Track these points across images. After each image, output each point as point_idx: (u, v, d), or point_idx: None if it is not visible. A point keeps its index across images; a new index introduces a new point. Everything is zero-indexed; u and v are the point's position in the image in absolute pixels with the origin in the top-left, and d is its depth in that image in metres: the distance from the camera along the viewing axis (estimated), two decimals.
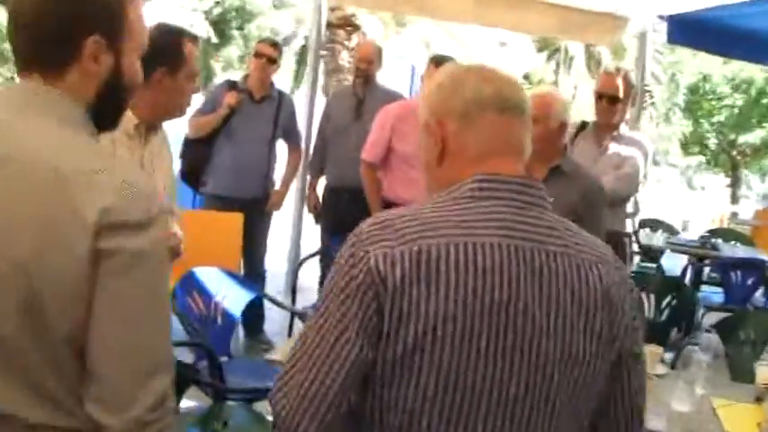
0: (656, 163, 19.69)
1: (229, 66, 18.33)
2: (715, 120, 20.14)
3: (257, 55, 5.59)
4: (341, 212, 5.58)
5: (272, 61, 5.59)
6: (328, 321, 1.41)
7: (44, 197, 1.35)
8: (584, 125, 4.72)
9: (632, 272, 6.67)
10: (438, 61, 4.90)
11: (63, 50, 1.48)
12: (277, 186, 5.86)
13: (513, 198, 1.49)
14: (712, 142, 20.80)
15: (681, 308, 5.17)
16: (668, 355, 4.85)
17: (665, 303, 5.20)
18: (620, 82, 4.50)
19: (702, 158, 22.80)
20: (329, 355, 1.39)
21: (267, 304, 5.16)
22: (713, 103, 19.85)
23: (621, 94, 4.50)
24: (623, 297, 1.50)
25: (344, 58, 16.64)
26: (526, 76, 28.14)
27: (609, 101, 4.52)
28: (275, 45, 5.81)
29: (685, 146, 20.92)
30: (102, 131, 1.56)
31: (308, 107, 7.06)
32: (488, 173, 1.51)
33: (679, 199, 19.06)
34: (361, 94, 5.79)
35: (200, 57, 17.73)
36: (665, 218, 10.73)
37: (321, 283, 5.04)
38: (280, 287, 6.25)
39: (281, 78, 20.31)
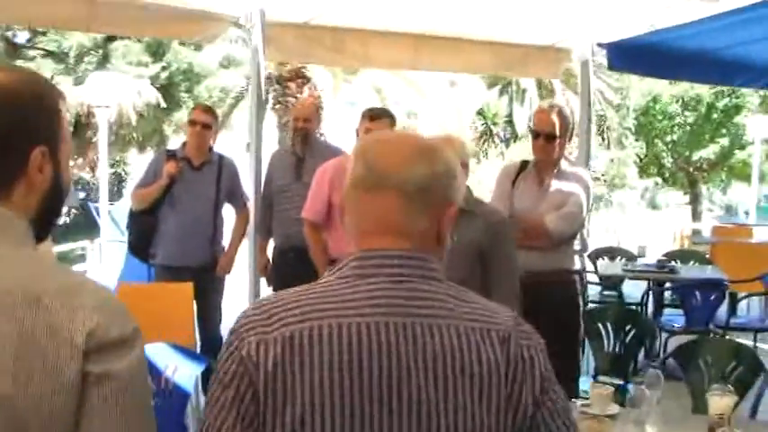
0: (614, 187, 19.85)
1: (180, 129, 18.30)
2: (668, 139, 20.39)
3: (191, 123, 5.57)
4: (290, 273, 5.51)
5: (207, 127, 5.57)
6: (213, 409, 1.43)
7: (26, 326, 1.28)
8: (524, 165, 4.71)
9: (593, 302, 6.65)
10: (372, 115, 4.89)
11: (10, 165, 1.41)
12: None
13: (390, 274, 1.47)
14: (668, 161, 21.03)
15: (640, 336, 5.16)
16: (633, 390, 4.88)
17: (623, 334, 5.19)
18: (555, 118, 4.49)
19: (659, 179, 23.04)
20: None
21: None
22: (665, 122, 20.11)
23: (558, 131, 4.49)
24: (528, 357, 1.45)
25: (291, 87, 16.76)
26: (480, 112, 28.44)
27: (546, 138, 4.49)
28: (208, 110, 5.80)
29: (642, 168, 21.12)
30: (39, 243, 1.50)
31: (254, 165, 7.01)
32: (366, 249, 1.50)
33: (642, 220, 19.19)
34: (301, 153, 5.74)
35: (152, 122, 17.82)
36: (629, 241, 10.79)
37: None
38: None
39: (238, 135, 20.36)
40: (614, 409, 3.29)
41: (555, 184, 4.53)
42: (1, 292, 1.30)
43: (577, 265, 4.61)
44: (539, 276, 4.40)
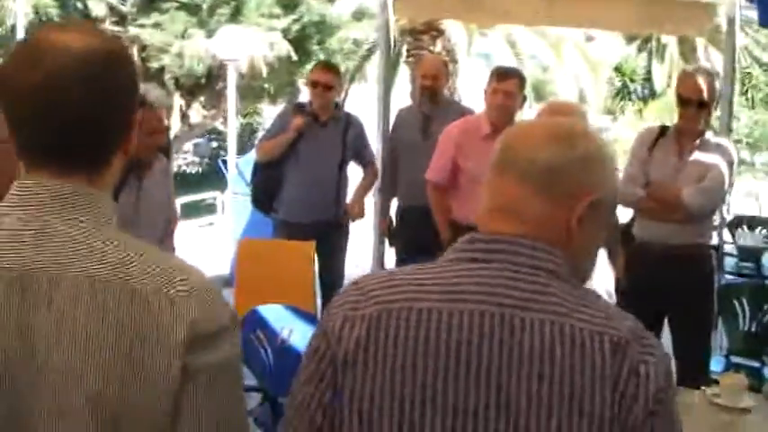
0: (757, 149, 18.83)
1: None
2: None
3: (312, 84, 5.48)
4: (414, 233, 5.43)
5: (328, 88, 5.44)
6: (296, 383, 1.40)
7: (123, 320, 1.21)
8: (663, 131, 4.43)
9: (729, 273, 6.32)
10: (500, 74, 4.73)
11: (119, 134, 1.32)
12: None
13: (497, 260, 1.35)
14: None
15: None
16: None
17: (760, 312, 4.91)
18: (703, 84, 4.19)
19: None
20: (293, 419, 1.39)
21: None
22: None
23: (707, 98, 4.19)
24: (644, 374, 1.27)
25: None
26: (617, 68, 27.53)
27: (696, 106, 4.20)
28: (329, 68, 5.67)
29: None
30: None
31: (382, 123, 6.94)
32: (480, 231, 1.40)
33: None
34: (428, 111, 5.62)
35: (283, 74, 17.93)
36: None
37: None
38: None
39: (372, 87, 20.34)
40: (748, 401, 3.07)
41: (696, 155, 4.25)
42: (94, 282, 1.22)
43: (714, 240, 4.35)
44: (673, 250, 4.21)
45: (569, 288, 1.34)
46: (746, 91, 18.99)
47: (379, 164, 6.07)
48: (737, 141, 12.33)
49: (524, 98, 4.84)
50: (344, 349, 1.33)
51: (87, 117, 1.25)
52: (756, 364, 4.79)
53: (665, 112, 22.13)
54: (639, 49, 27.21)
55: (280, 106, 20.38)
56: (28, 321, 1.20)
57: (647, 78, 26.81)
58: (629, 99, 27.59)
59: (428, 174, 4.91)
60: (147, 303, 1.21)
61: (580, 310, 1.31)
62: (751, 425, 2.91)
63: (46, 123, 1.25)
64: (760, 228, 7.86)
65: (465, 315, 1.30)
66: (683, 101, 4.23)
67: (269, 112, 20.54)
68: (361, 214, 5.75)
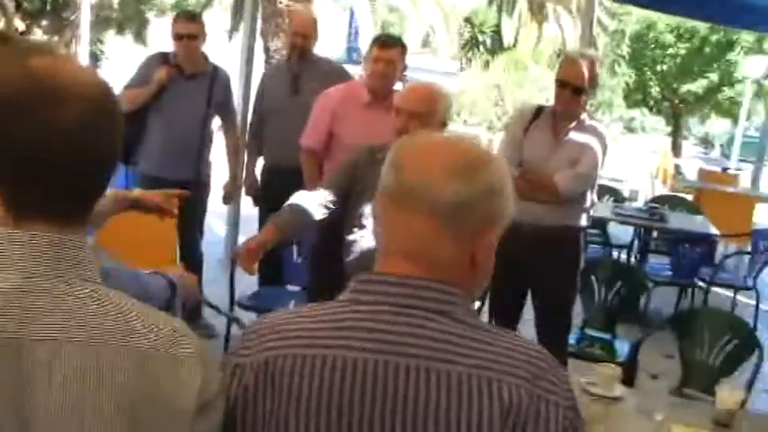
0: (599, 121, 19.62)
1: (162, 13, 17.66)
2: (658, 69, 20.10)
3: (176, 37, 5.21)
4: (280, 194, 5.28)
5: (193, 38, 5.22)
6: None
7: (126, 385, 1.08)
8: (539, 111, 4.46)
9: None
10: (382, 42, 4.62)
11: (105, 180, 1.17)
12: (213, 171, 5.58)
13: (393, 303, 1.27)
14: (655, 91, 20.77)
15: (630, 294, 5.08)
16: (620, 345, 4.82)
17: (614, 288, 5.10)
18: (585, 70, 4.22)
19: (645, 110, 22.82)
20: None
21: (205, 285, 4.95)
22: (657, 51, 19.78)
23: (587, 84, 4.23)
24: (544, 416, 1.22)
25: (282, 1, 16.15)
26: (467, 19, 27.90)
27: (573, 91, 4.22)
28: (193, 17, 5.41)
29: (628, 95, 20.84)
30: None
31: (244, 76, 6.73)
32: (378, 272, 1.33)
33: (623, 146, 19.07)
34: (297, 70, 5.47)
35: (133, 4, 17.16)
36: (610, 169, 10.49)
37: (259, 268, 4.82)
38: (216, 273, 5.98)
39: (220, 18, 19.77)
40: (619, 390, 3.17)
41: (571, 136, 4.30)
42: (89, 345, 1.07)
43: (583, 222, 4.44)
44: (543, 230, 4.27)
45: (471, 330, 1.27)
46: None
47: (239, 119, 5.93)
48: None
49: (405, 67, 4.76)
50: (233, 397, 1.27)
51: (110, 157, 1.14)
52: (608, 337, 4.98)
53: (510, 65, 22.69)
54: (490, 2, 27.64)
55: (127, 38, 19.64)
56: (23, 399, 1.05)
57: (497, 31, 27.28)
58: (478, 50, 28.01)
59: (303, 139, 4.78)
60: (150, 363, 1.10)
61: (476, 355, 1.23)
62: (623, 413, 3.00)
63: (76, 168, 1.09)
64: (608, 196, 8.17)
65: (348, 363, 1.24)
66: (561, 83, 4.26)
67: (115, 43, 19.65)
68: (233, 197, 5.65)
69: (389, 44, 4.60)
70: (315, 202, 3.57)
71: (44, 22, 16.56)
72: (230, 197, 5.91)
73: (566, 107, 4.28)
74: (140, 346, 1.10)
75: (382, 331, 1.25)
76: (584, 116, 4.33)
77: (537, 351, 1.28)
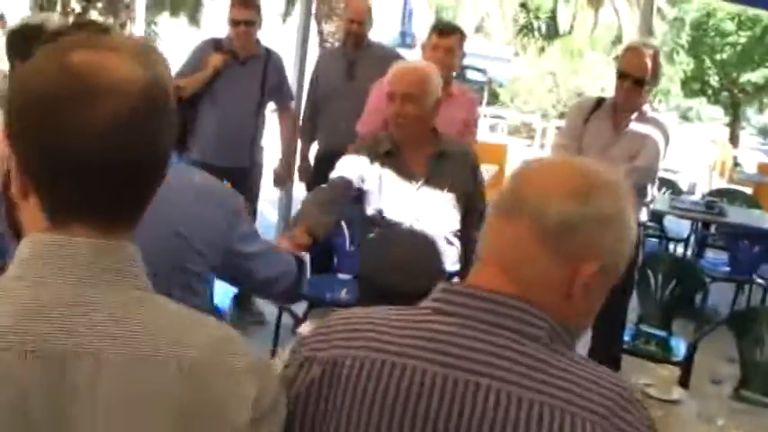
0: (655, 110, 19.27)
1: None
2: (718, 57, 19.70)
3: (232, 23, 5.19)
4: None
5: (250, 24, 5.19)
6: None
7: (177, 399, 1.03)
8: (599, 102, 4.36)
9: None
10: (441, 30, 4.56)
11: (150, 186, 1.12)
12: (268, 155, 5.55)
13: (469, 316, 1.22)
14: (714, 80, 20.38)
15: (687, 290, 4.95)
16: (676, 342, 4.70)
17: (671, 284, 4.97)
18: (648, 61, 4.10)
19: (703, 99, 22.40)
20: None
21: None
22: (716, 39, 19.39)
23: (648, 76, 4.11)
24: None
25: None
26: (523, 4, 27.56)
27: (635, 83, 4.12)
28: (249, 3, 5.33)
29: (686, 84, 20.46)
30: None
31: (299, 60, 6.69)
32: (465, 283, 1.29)
33: (680, 137, 18.71)
34: (353, 56, 5.43)
35: None
36: (668, 161, 10.30)
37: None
38: None
39: (275, 1, 19.78)
40: (677, 393, 3.08)
41: (632, 129, 4.20)
42: (149, 362, 1.02)
43: (643, 217, 4.33)
44: None
45: (547, 354, 1.20)
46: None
47: (293, 103, 5.90)
48: None
49: (464, 54, 4.69)
50: (296, 391, 1.24)
51: (153, 156, 1.08)
52: (664, 334, 4.87)
53: (565, 52, 22.38)
54: None
55: (181, 19, 19.76)
56: (66, 412, 1.00)
57: (552, 17, 26.94)
58: (533, 36, 27.70)
59: (359, 126, 4.73)
60: (205, 380, 1.04)
61: (552, 381, 1.17)
62: (681, 418, 2.91)
63: (113, 170, 1.04)
64: (664, 188, 8.00)
65: (418, 373, 1.19)
66: (622, 75, 4.16)
67: (169, 25, 19.78)
68: (289, 179, 5.63)
69: (448, 32, 4.55)
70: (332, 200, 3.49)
71: (99, 4, 16.69)
72: (281, 180, 5.88)
73: (626, 99, 4.18)
74: (191, 355, 1.04)
75: (461, 347, 1.19)
76: (646, 108, 4.22)
77: (620, 387, 1.20)
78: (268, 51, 5.42)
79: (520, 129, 19.70)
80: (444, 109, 4.57)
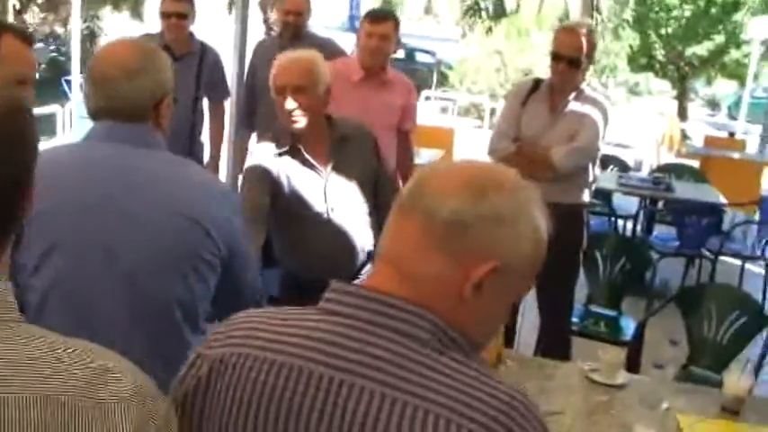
0: (604, 86, 19.34)
1: None
2: (663, 32, 19.84)
3: (164, 15, 5.08)
4: None
5: (182, 17, 5.09)
6: None
7: None
8: (537, 84, 4.32)
9: None
10: (374, 17, 4.49)
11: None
12: (206, 149, 5.44)
13: (353, 315, 1.19)
14: (660, 54, 20.53)
15: (635, 268, 4.95)
16: (625, 322, 4.70)
17: (618, 263, 4.96)
18: (582, 40, 4.07)
19: (650, 74, 22.55)
20: None
21: None
22: (661, 14, 19.52)
23: (583, 55, 4.07)
24: None
25: None
26: None
27: (569, 63, 4.07)
28: None
29: (633, 59, 20.59)
30: None
31: (238, 51, 6.57)
32: (355, 283, 1.26)
33: (629, 111, 18.89)
34: (289, 47, 5.29)
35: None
36: (615, 134, 10.30)
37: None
38: None
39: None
40: (623, 377, 3.06)
41: (570, 110, 4.17)
42: (9, 402, 0.97)
43: (585, 198, 4.30)
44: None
45: (432, 361, 1.15)
46: (594, 19, 19.33)
47: (233, 98, 5.80)
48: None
49: (398, 42, 4.62)
50: (186, 386, 1.27)
51: None
52: (613, 314, 4.87)
53: (512, 32, 22.40)
54: None
55: (123, 14, 19.44)
56: None
57: None
58: (480, 16, 27.64)
59: None
60: (71, 415, 0.99)
61: (436, 388, 1.12)
62: (626, 402, 2.88)
63: None
64: (612, 166, 8.01)
65: (304, 373, 1.17)
66: (556, 56, 4.12)
67: (111, 19, 19.44)
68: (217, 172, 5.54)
69: (381, 18, 4.48)
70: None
71: (40, 0, 16.40)
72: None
73: (562, 80, 4.14)
74: (54, 392, 0.99)
75: (345, 348, 1.17)
76: (583, 86, 4.19)
77: (510, 396, 1.15)
78: (203, 46, 5.31)
79: (470, 110, 19.68)
80: (381, 96, 4.52)
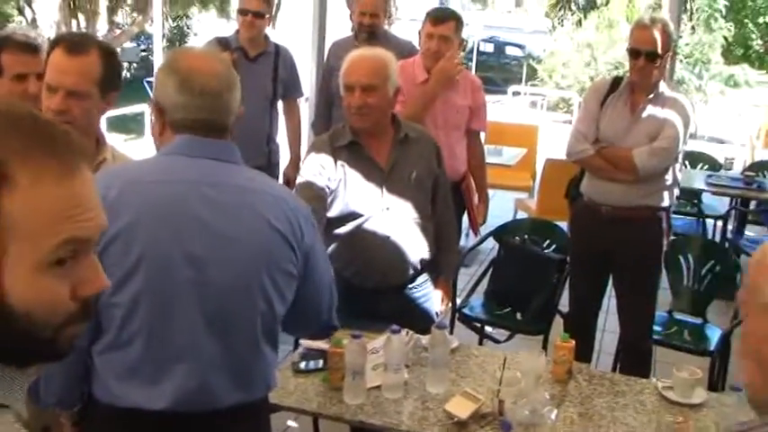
0: (699, 77, 18.65)
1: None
2: (761, 21, 19.11)
3: (241, 12, 5.10)
4: None
5: (259, 16, 5.08)
6: None
7: None
8: (616, 82, 4.16)
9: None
10: (435, 17, 4.41)
11: None
12: (283, 152, 5.46)
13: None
14: (757, 44, 19.78)
15: (723, 273, 4.72)
16: (711, 332, 4.49)
17: (704, 269, 4.75)
18: (657, 35, 3.91)
19: (747, 65, 21.75)
20: None
21: None
22: (759, 1, 18.81)
23: (660, 50, 3.91)
24: None
25: None
26: None
27: (647, 58, 3.92)
28: None
29: (728, 51, 19.88)
30: None
31: (316, 52, 6.57)
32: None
33: (723, 105, 18.25)
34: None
35: None
36: (708, 128, 9.77)
37: None
38: None
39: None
40: (700, 396, 2.90)
41: (650, 110, 4.01)
42: None
43: (666, 202, 4.12)
44: (621, 211, 4.06)
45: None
46: (689, 12, 18.69)
47: (313, 98, 5.77)
48: (678, 61, 11.90)
49: (462, 41, 4.51)
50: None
51: None
52: (698, 322, 4.67)
53: (602, 24, 21.90)
54: None
55: (211, 13, 19.72)
56: None
57: None
58: (569, 9, 27.16)
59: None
60: None
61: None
62: (699, 424, 2.74)
63: None
64: (701, 165, 7.72)
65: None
66: (633, 52, 3.97)
67: (200, 18, 19.76)
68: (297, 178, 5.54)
69: (442, 19, 4.40)
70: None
71: (128, 1, 16.76)
72: (292, 182, 5.73)
73: (641, 77, 3.98)
74: None
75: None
76: (663, 88, 4.02)
77: None
78: (277, 47, 5.30)
79: (559, 104, 19.33)
80: (446, 96, 4.43)
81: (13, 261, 0.93)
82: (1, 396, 0.96)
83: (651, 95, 4.00)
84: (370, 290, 3.32)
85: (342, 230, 3.32)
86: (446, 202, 3.54)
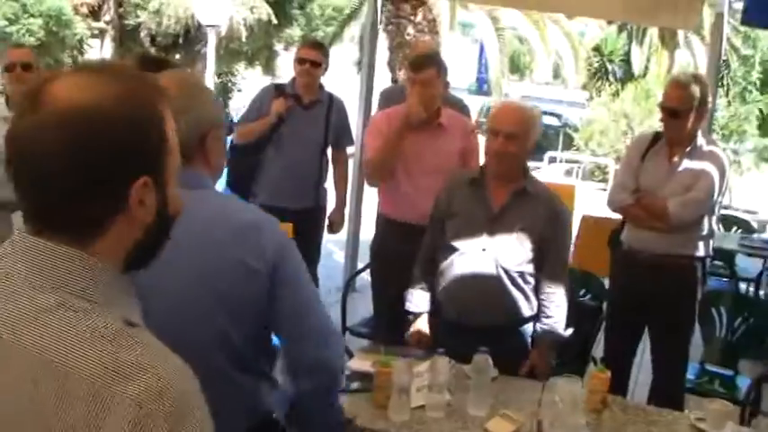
0: (735, 152, 18.70)
1: (290, 45, 18.13)
2: None
3: (299, 61, 5.34)
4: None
5: (316, 65, 5.33)
6: None
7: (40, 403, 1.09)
8: (657, 137, 4.37)
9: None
10: (415, 65, 4.45)
11: (103, 205, 1.16)
12: (330, 199, 5.68)
13: None
14: None
15: (755, 328, 4.84)
16: (742, 382, 4.59)
17: (737, 322, 4.87)
18: (686, 92, 4.09)
19: None
20: None
21: None
22: None
23: (685, 106, 4.11)
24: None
25: (410, 33, 16.28)
26: (596, 48, 27.38)
27: (671, 114, 4.15)
28: (317, 46, 5.53)
29: (763, 124, 19.96)
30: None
31: (363, 101, 6.81)
32: None
33: (758, 177, 18.28)
34: None
35: (262, 37, 17.64)
36: (742, 200, 9.88)
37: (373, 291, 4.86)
38: (331, 299, 6.04)
39: (348, 51, 20.18)
40: (731, 429, 3.03)
41: (686, 163, 4.20)
42: (34, 363, 1.09)
43: (701, 252, 4.26)
44: (658, 259, 4.22)
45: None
46: (725, 85, 18.84)
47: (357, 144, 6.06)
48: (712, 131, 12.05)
49: (446, 84, 4.55)
50: None
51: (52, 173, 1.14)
52: (730, 373, 4.77)
53: (640, 94, 22.09)
54: (620, 30, 27.06)
55: (256, 69, 20.22)
56: None
57: (626, 60, 26.68)
58: (607, 80, 27.43)
59: (368, 153, 4.63)
60: (71, 391, 1.07)
61: None
62: None
63: (23, 174, 1.17)
64: (735, 228, 7.84)
65: None
66: (663, 109, 4.20)
67: (245, 74, 20.23)
68: (341, 225, 5.85)
69: (423, 65, 4.41)
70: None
71: (177, 56, 17.25)
72: (336, 227, 5.87)
73: (671, 132, 4.21)
74: (65, 367, 1.08)
75: None
76: (701, 141, 4.21)
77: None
78: (330, 96, 5.53)
79: (594, 171, 19.48)
80: (436, 141, 4.43)
81: (170, 176, 1.23)
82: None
83: (688, 149, 4.19)
84: (476, 329, 3.51)
85: (445, 264, 3.62)
86: (554, 273, 3.59)
